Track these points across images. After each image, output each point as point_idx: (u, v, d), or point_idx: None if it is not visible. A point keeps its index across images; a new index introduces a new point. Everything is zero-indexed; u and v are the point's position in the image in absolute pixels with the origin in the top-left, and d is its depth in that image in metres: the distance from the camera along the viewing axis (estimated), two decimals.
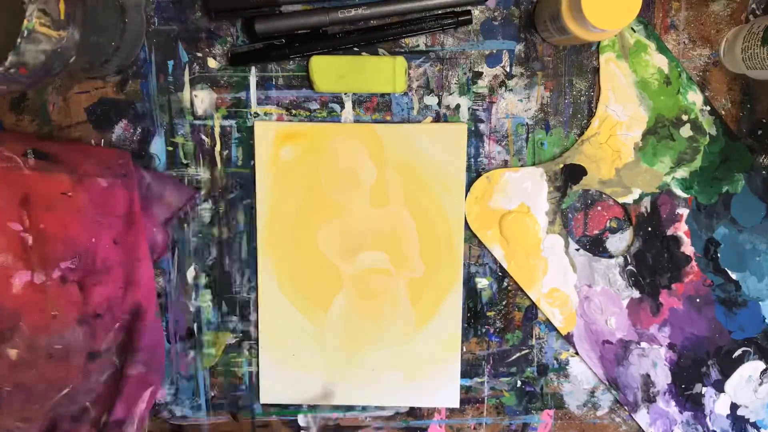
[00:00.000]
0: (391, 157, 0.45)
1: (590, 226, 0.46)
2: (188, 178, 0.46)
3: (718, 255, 0.46)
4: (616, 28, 0.37)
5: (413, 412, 0.48)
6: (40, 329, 0.39)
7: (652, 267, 0.46)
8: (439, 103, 0.45)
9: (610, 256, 0.46)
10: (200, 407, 0.48)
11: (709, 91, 0.45)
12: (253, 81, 0.45)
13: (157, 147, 0.46)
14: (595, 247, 0.47)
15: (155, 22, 0.44)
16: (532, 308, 0.47)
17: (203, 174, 0.46)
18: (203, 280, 0.47)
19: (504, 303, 0.47)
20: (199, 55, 0.45)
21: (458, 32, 0.45)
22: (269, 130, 0.45)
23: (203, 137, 0.46)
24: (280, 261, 0.46)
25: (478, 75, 0.45)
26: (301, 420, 0.48)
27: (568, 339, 0.47)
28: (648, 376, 0.47)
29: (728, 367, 0.47)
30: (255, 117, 0.45)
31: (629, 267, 0.46)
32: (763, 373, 0.47)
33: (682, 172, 0.46)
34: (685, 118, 0.45)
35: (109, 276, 0.41)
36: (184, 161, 0.46)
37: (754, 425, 0.47)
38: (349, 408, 0.48)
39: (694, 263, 0.46)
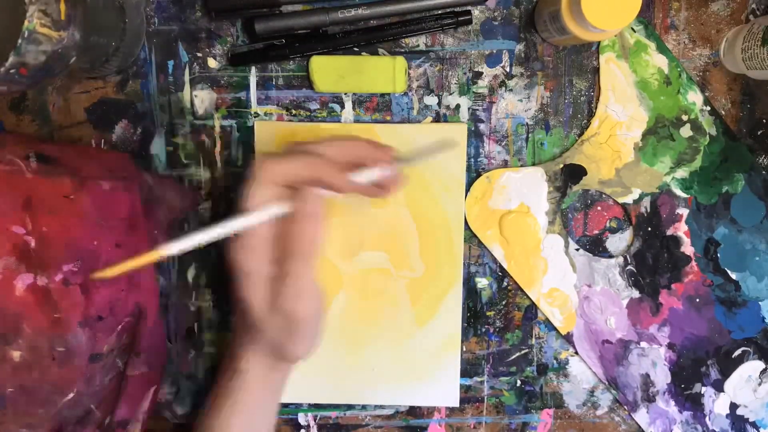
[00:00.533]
0: None
1: (590, 226, 0.46)
2: (188, 178, 0.46)
3: (718, 255, 0.46)
4: (616, 28, 0.37)
5: (413, 411, 0.48)
6: (42, 331, 0.39)
7: (652, 267, 0.46)
8: (439, 103, 0.45)
9: (610, 256, 0.47)
10: (201, 406, 0.48)
11: (709, 91, 0.45)
12: (253, 81, 0.45)
13: (158, 147, 0.46)
14: (595, 247, 0.47)
15: (155, 22, 0.44)
16: (532, 308, 0.47)
17: (203, 174, 0.46)
18: (203, 280, 0.47)
19: (504, 303, 0.47)
20: (199, 55, 0.45)
21: (458, 32, 0.45)
22: (269, 130, 0.45)
23: (203, 137, 0.46)
24: None
25: (478, 75, 0.45)
26: (302, 419, 0.48)
27: (568, 339, 0.47)
28: (647, 375, 0.47)
29: (728, 366, 0.47)
30: (255, 117, 0.45)
31: (629, 267, 0.46)
32: (762, 372, 0.47)
33: (682, 172, 0.46)
34: (685, 118, 0.45)
35: (112, 279, 0.41)
36: (185, 161, 0.46)
37: (754, 425, 0.47)
38: (349, 407, 0.48)
39: (693, 263, 0.46)
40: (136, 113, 0.45)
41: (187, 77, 0.45)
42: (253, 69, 0.45)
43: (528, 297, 0.47)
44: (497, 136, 0.46)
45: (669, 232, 0.46)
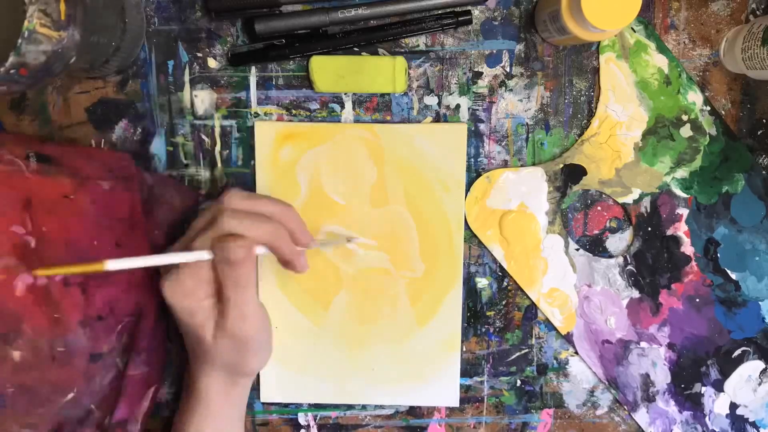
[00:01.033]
0: (391, 157, 0.45)
1: (590, 226, 0.46)
2: (188, 178, 0.46)
3: (718, 255, 0.46)
4: (616, 28, 0.37)
5: (413, 411, 0.48)
6: (42, 331, 0.39)
7: (652, 267, 0.46)
8: (439, 103, 0.45)
9: (610, 256, 0.47)
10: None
11: (709, 91, 0.45)
12: (253, 81, 0.45)
13: (158, 147, 0.46)
14: (595, 247, 0.47)
15: (155, 22, 0.44)
16: (532, 308, 0.47)
17: (203, 174, 0.46)
18: None
19: (504, 303, 0.47)
20: (199, 55, 0.45)
21: (458, 32, 0.45)
22: (269, 130, 0.45)
23: (203, 137, 0.46)
24: None
25: (478, 75, 0.45)
26: (301, 419, 0.48)
27: (568, 339, 0.47)
28: (647, 375, 0.47)
29: (728, 366, 0.47)
30: (255, 117, 0.45)
31: (629, 267, 0.46)
32: (762, 372, 0.47)
33: (682, 172, 0.46)
34: (685, 118, 0.45)
35: (112, 278, 0.41)
36: (185, 161, 0.46)
37: (754, 425, 0.47)
38: (349, 407, 0.48)
39: (693, 263, 0.46)
40: (136, 113, 0.45)
41: (187, 77, 0.45)
42: (253, 69, 0.45)
43: (528, 297, 0.47)
44: (497, 136, 0.46)
45: (669, 232, 0.46)
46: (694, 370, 0.47)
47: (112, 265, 0.35)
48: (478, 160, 0.46)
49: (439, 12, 0.44)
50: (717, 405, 0.47)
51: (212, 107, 0.45)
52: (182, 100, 0.45)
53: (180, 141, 0.46)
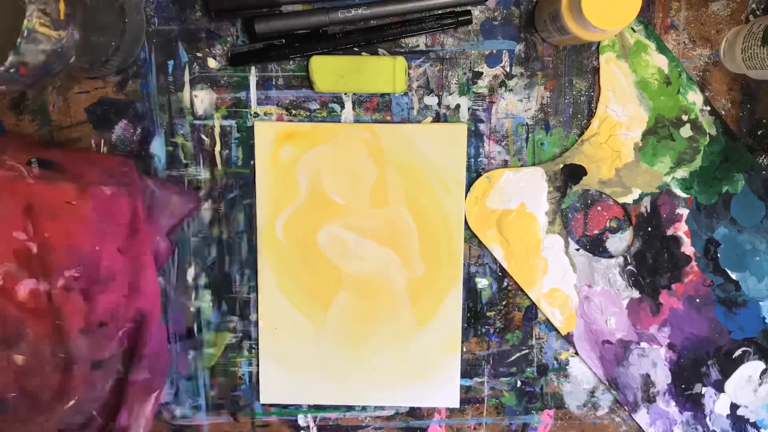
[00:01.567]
0: (391, 157, 0.45)
1: (590, 226, 0.46)
2: (188, 178, 0.46)
3: (718, 255, 0.46)
4: (616, 28, 0.37)
5: (413, 412, 0.48)
6: (44, 337, 0.39)
7: (652, 267, 0.46)
8: (439, 103, 0.45)
9: (610, 256, 0.46)
10: (200, 407, 0.48)
11: (709, 91, 0.45)
12: (253, 81, 0.45)
13: (157, 147, 0.46)
14: (595, 247, 0.47)
15: (155, 22, 0.44)
16: (532, 308, 0.47)
17: (203, 174, 0.46)
18: (203, 280, 0.47)
19: (504, 303, 0.47)
20: (199, 55, 0.45)
21: (458, 32, 0.45)
22: (269, 130, 0.45)
23: (203, 137, 0.46)
24: (280, 261, 0.46)
25: (478, 75, 0.45)
26: (301, 420, 0.48)
27: (568, 339, 0.47)
28: (648, 376, 0.47)
29: (728, 367, 0.47)
30: (255, 117, 0.45)
31: (629, 267, 0.46)
32: (762, 373, 0.47)
33: (682, 172, 0.46)
34: (685, 118, 0.45)
35: (113, 284, 0.41)
36: (184, 161, 0.46)
37: (754, 425, 0.47)
38: (349, 408, 0.48)
39: (694, 263, 0.46)
40: (136, 113, 0.45)
41: (186, 77, 0.45)
42: (253, 69, 0.45)
43: (528, 297, 0.47)
44: (497, 136, 0.46)
45: (669, 232, 0.46)
46: (695, 371, 0.47)
47: None
48: (478, 160, 0.46)
49: (439, 12, 0.44)
50: (717, 405, 0.47)
51: (212, 107, 0.45)
52: (182, 100, 0.45)
53: (180, 141, 0.46)
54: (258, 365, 0.47)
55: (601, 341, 0.47)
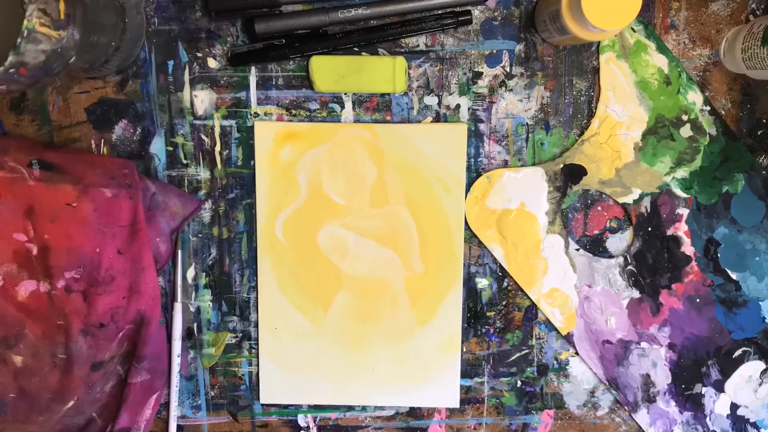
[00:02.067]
0: (391, 157, 0.45)
1: (590, 226, 0.46)
2: (188, 178, 0.46)
3: (718, 255, 0.46)
4: (616, 28, 0.37)
5: (413, 412, 0.48)
6: (44, 338, 0.39)
7: (652, 267, 0.46)
8: (439, 103, 0.45)
9: (610, 256, 0.46)
10: (200, 407, 0.48)
11: (709, 91, 0.45)
12: (253, 81, 0.45)
13: (157, 147, 0.46)
14: (595, 247, 0.47)
15: (155, 22, 0.44)
16: (532, 308, 0.47)
17: (203, 174, 0.46)
18: (203, 280, 0.47)
19: (504, 303, 0.47)
20: (199, 55, 0.45)
21: (458, 32, 0.45)
22: (269, 130, 0.45)
23: (203, 137, 0.46)
24: (280, 261, 0.46)
25: (478, 75, 0.45)
26: (301, 420, 0.48)
27: (568, 339, 0.47)
28: (648, 376, 0.47)
29: (728, 367, 0.47)
30: (255, 117, 0.45)
31: (629, 267, 0.46)
32: (763, 373, 0.47)
33: (682, 172, 0.46)
34: (685, 118, 0.45)
35: (113, 286, 0.41)
36: (184, 161, 0.46)
37: (754, 425, 0.47)
38: (349, 408, 0.48)
39: (694, 263, 0.46)
40: (136, 113, 0.45)
41: (187, 77, 0.45)
42: (253, 69, 0.45)
43: (528, 297, 0.47)
44: (497, 136, 0.46)
45: (669, 232, 0.46)
46: (695, 371, 0.47)
47: None
48: (478, 160, 0.46)
49: (439, 12, 0.44)
50: (718, 405, 0.47)
51: (212, 107, 0.45)
52: (182, 100, 0.45)
53: (180, 141, 0.46)
54: (258, 365, 0.47)
55: (601, 341, 0.47)
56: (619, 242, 0.47)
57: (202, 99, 0.45)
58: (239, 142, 0.46)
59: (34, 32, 0.31)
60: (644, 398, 0.47)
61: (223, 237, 0.46)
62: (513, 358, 0.48)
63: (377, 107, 0.45)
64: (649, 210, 0.46)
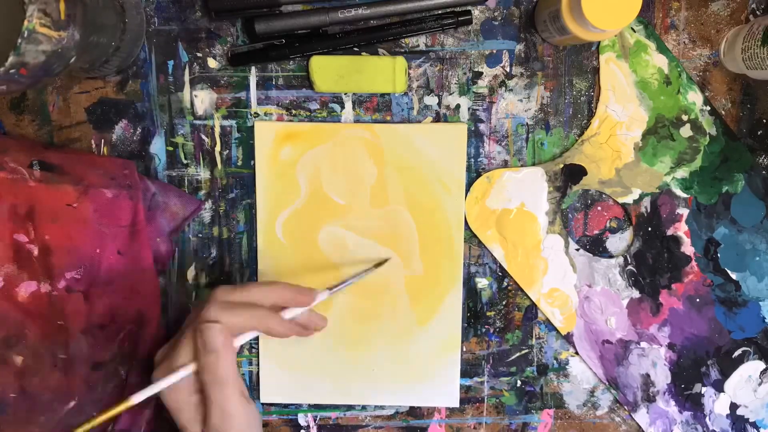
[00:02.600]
0: (391, 157, 0.45)
1: (590, 226, 0.46)
2: (188, 178, 0.46)
3: (718, 255, 0.46)
4: (616, 28, 0.37)
5: (413, 412, 0.48)
6: (45, 338, 0.39)
7: (652, 267, 0.46)
8: (439, 103, 0.45)
9: (610, 256, 0.47)
10: None
11: (709, 91, 0.45)
12: (253, 81, 0.45)
13: (157, 147, 0.46)
14: (595, 247, 0.47)
15: (155, 22, 0.44)
16: (532, 308, 0.47)
17: (203, 174, 0.46)
18: (203, 280, 0.47)
19: (504, 303, 0.47)
20: (199, 55, 0.45)
21: (458, 32, 0.45)
22: (269, 130, 0.45)
23: (203, 137, 0.46)
24: (280, 261, 0.46)
25: (478, 75, 0.45)
26: (301, 419, 0.48)
27: (568, 339, 0.47)
28: (648, 375, 0.47)
29: (728, 367, 0.47)
30: (255, 117, 0.45)
31: (629, 267, 0.46)
32: (762, 372, 0.47)
33: (682, 172, 0.46)
34: (685, 118, 0.45)
35: (114, 286, 0.41)
36: (185, 161, 0.46)
37: (754, 425, 0.47)
38: (349, 407, 0.48)
39: (694, 263, 0.46)
40: (136, 113, 0.45)
41: (187, 77, 0.45)
42: (253, 69, 0.45)
43: (528, 297, 0.47)
44: (497, 136, 0.46)
45: (669, 232, 0.46)
46: (695, 371, 0.47)
47: (137, 398, 0.35)
48: (478, 160, 0.46)
49: (439, 12, 0.44)
50: (717, 405, 0.47)
51: (212, 107, 0.45)
52: (182, 100, 0.45)
53: (180, 141, 0.46)
54: (258, 365, 0.47)
55: (601, 341, 0.47)
56: (619, 242, 0.47)
57: (202, 99, 0.45)
58: (239, 142, 0.46)
59: (34, 33, 0.31)
60: (644, 398, 0.47)
61: (223, 237, 0.47)
62: (513, 357, 0.48)
63: (377, 107, 0.45)
64: (649, 210, 0.46)
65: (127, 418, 0.43)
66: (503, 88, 0.45)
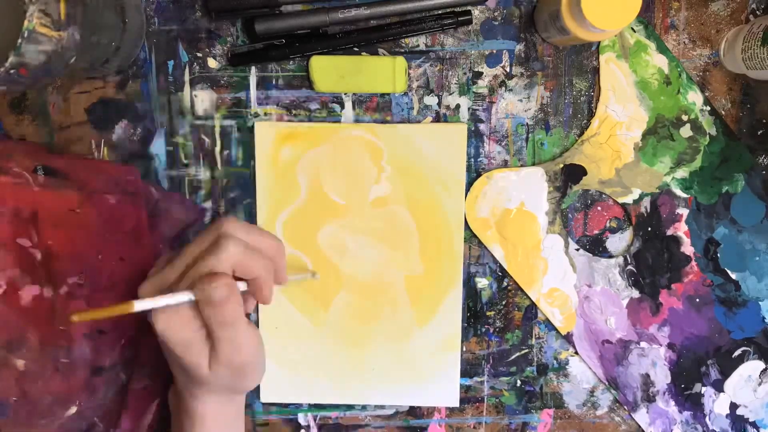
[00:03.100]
0: (391, 157, 0.45)
1: (590, 226, 0.46)
2: (188, 178, 0.46)
3: (718, 255, 0.46)
4: (616, 28, 0.37)
5: (413, 411, 0.48)
6: (47, 342, 0.39)
7: (652, 267, 0.46)
8: (439, 103, 0.45)
9: (610, 256, 0.47)
10: None
11: (709, 91, 0.45)
12: (253, 81, 0.45)
13: (158, 147, 0.46)
14: (595, 247, 0.47)
15: (155, 22, 0.44)
16: (532, 308, 0.47)
17: (203, 174, 0.46)
18: None
19: (504, 303, 0.47)
20: (199, 55, 0.45)
21: (458, 32, 0.45)
22: (269, 130, 0.45)
23: (203, 137, 0.46)
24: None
25: (478, 75, 0.45)
26: (302, 419, 0.48)
27: (568, 339, 0.47)
28: (647, 375, 0.47)
29: (728, 366, 0.47)
30: (255, 117, 0.45)
31: (629, 267, 0.46)
32: (762, 372, 0.47)
33: (682, 172, 0.46)
34: (685, 118, 0.45)
35: (116, 292, 0.41)
36: (185, 161, 0.46)
37: (754, 425, 0.47)
38: (349, 407, 0.48)
39: (693, 263, 0.46)
40: (136, 113, 0.45)
41: (187, 77, 0.45)
42: (253, 69, 0.45)
43: (528, 297, 0.47)
44: (497, 136, 0.46)
45: (669, 232, 0.46)
46: (694, 370, 0.47)
47: (140, 305, 0.33)
48: (478, 160, 0.46)
49: (439, 12, 0.44)
50: (717, 405, 0.47)
51: (212, 107, 0.45)
52: (182, 100, 0.45)
53: (180, 141, 0.46)
54: None
55: (600, 341, 0.47)
56: (618, 242, 0.47)
57: (203, 99, 0.45)
58: (239, 142, 0.46)
59: (34, 33, 0.31)
60: (644, 398, 0.47)
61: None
62: (513, 357, 0.48)
63: (377, 107, 0.45)
64: (649, 210, 0.46)
65: (128, 424, 0.43)
66: (503, 88, 0.45)
